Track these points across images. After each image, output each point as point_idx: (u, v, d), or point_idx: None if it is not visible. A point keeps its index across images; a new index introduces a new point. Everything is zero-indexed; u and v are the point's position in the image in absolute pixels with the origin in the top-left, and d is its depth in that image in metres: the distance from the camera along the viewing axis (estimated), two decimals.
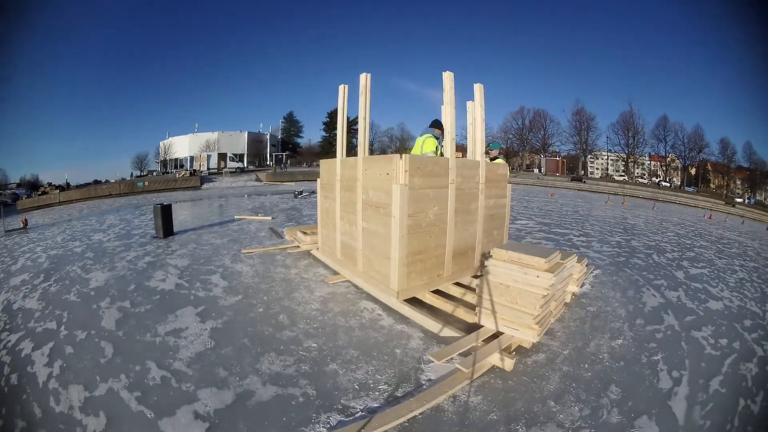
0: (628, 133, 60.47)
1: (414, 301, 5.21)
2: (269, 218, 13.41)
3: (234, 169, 47.35)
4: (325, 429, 2.94)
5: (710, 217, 22.03)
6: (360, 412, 3.15)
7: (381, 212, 5.36)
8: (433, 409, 3.20)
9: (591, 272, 7.25)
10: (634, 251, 9.47)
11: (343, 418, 3.07)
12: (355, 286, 6.11)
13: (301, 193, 22.58)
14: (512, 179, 43.29)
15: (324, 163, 7.68)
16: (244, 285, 6.26)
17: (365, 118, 5.82)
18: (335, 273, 6.79)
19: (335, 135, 6.63)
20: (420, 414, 3.11)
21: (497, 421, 3.07)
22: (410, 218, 5.10)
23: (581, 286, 6.26)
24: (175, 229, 10.96)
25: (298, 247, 8.69)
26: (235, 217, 13.89)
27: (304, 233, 8.66)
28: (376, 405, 3.24)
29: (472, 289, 5.72)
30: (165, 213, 10.16)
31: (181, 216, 14.80)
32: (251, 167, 55.89)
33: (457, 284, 5.86)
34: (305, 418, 3.08)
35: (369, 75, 5.78)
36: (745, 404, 3.47)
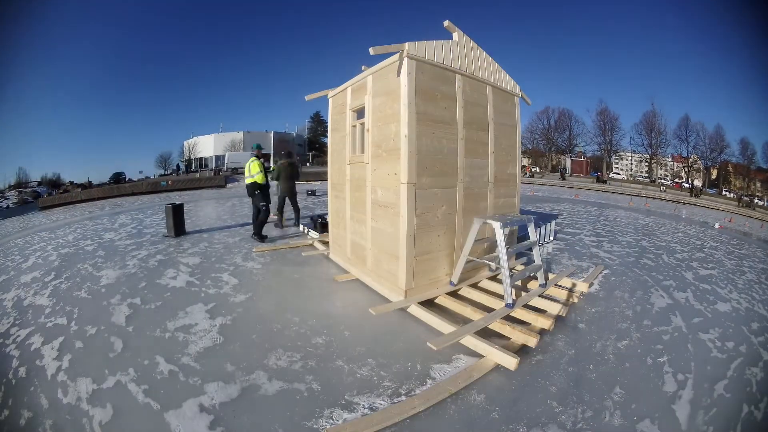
0: (651, 134, 59.55)
1: (422, 300, 5.24)
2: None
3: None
4: (328, 424, 2.98)
5: (730, 220, 21.75)
6: (363, 408, 3.18)
7: (389, 212, 5.40)
8: (435, 406, 3.22)
9: (600, 272, 7.23)
10: (644, 251, 9.39)
11: (346, 414, 3.10)
12: (364, 285, 6.14)
13: (313, 192, 22.64)
14: (538, 180, 42.82)
15: (334, 164, 7.73)
16: (254, 283, 6.32)
17: (371, 119, 5.87)
18: (345, 271, 6.83)
19: None
20: (422, 411, 3.14)
21: (498, 421, 3.08)
22: (418, 218, 5.15)
23: (590, 286, 6.25)
24: (190, 228, 11.09)
25: (311, 245, 8.77)
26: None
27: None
28: (379, 401, 3.27)
29: (481, 289, 5.74)
30: (176, 212, 10.23)
31: (199, 214, 15.04)
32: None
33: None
34: (309, 412, 3.11)
35: (371, 77, 5.83)
36: (748, 410, 3.44)
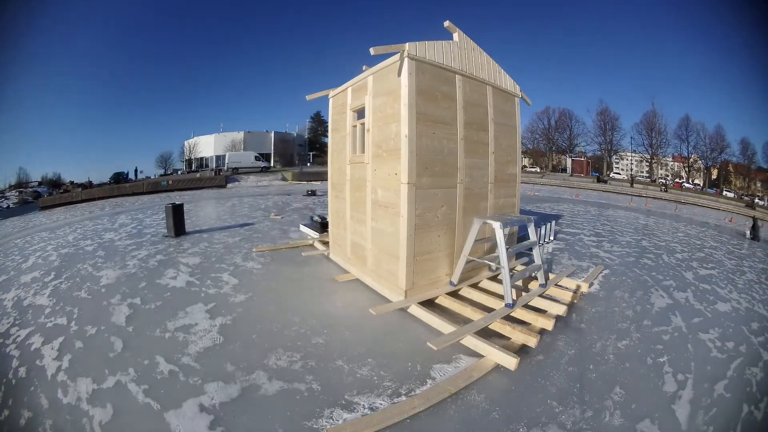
0: (651, 133, 59.12)
1: (422, 300, 5.23)
2: (279, 217, 13.45)
3: (260, 168, 47.12)
4: (328, 424, 2.97)
5: (731, 220, 21.66)
6: (363, 408, 3.18)
7: (390, 212, 5.40)
8: (435, 406, 3.21)
9: (600, 272, 7.22)
10: (644, 251, 9.38)
11: (346, 414, 3.10)
12: (365, 285, 6.15)
13: (313, 192, 22.54)
14: (539, 179, 42.69)
15: (334, 164, 7.73)
16: (254, 283, 6.33)
17: (371, 119, 5.87)
18: (345, 271, 6.84)
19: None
20: (422, 411, 3.13)
21: (498, 421, 3.08)
22: (418, 218, 5.15)
23: (590, 286, 6.25)
24: (190, 228, 11.13)
25: (311, 245, 8.78)
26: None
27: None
28: (380, 401, 3.27)
29: (481, 289, 5.74)
30: (176, 212, 10.23)
31: (199, 214, 15.08)
32: (278, 166, 55.79)
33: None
34: (309, 412, 3.11)
35: (371, 78, 5.83)
36: (748, 410, 3.44)
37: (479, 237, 5.59)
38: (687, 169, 58.51)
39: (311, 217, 10.88)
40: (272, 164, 56.37)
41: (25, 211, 24.89)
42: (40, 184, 54.72)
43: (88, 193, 29.83)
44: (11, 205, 34.75)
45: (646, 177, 58.93)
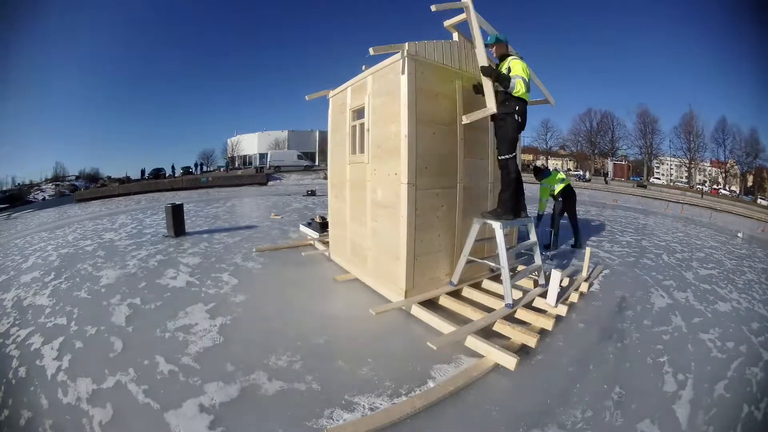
0: (690, 137, 57.87)
1: (422, 300, 5.23)
2: (279, 217, 13.46)
3: (303, 167, 47.16)
4: (328, 424, 2.97)
5: (764, 230, 21.50)
6: (363, 408, 3.18)
7: (390, 212, 5.40)
8: (435, 406, 3.21)
9: (600, 272, 7.22)
10: (644, 251, 9.37)
11: (346, 414, 3.10)
12: (365, 285, 6.15)
13: (313, 192, 22.53)
14: (581, 184, 41.98)
15: (333, 163, 7.72)
16: (254, 282, 6.34)
17: (371, 119, 5.86)
18: (345, 272, 6.84)
19: None
20: (422, 411, 3.14)
21: (498, 421, 3.07)
22: (418, 218, 5.14)
23: (590, 286, 6.24)
24: (196, 228, 11.17)
25: (311, 245, 8.78)
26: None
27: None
28: (380, 401, 3.27)
29: (481, 289, 5.74)
30: (176, 212, 10.25)
31: (212, 212, 15.36)
32: (323, 165, 55.90)
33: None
34: (309, 412, 3.11)
35: (371, 77, 5.83)
36: (749, 410, 3.43)
37: (479, 237, 5.58)
38: (724, 174, 57.04)
39: (311, 217, 10.88)
40: (317, 163, 56.33)
41: (60, 203, 25.60)
42: (77, 178, 55.67)
43: (125, 187, 30.40)
44: (47, 198, 35.85)
45: (685, 183, 57.67)
